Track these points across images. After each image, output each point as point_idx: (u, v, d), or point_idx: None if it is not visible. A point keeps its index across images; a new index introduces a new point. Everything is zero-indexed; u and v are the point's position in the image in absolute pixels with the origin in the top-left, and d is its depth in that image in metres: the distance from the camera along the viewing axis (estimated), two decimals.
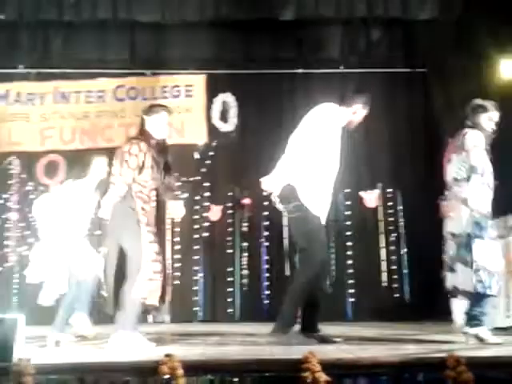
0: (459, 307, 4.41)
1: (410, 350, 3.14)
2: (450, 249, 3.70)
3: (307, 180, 3.80)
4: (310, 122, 3.89)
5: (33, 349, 3.28)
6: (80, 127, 6.58)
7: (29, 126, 6.54)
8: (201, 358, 2.75)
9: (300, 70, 6.70)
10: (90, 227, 4.62)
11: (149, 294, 3.73)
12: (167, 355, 2.27)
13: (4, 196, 6.33)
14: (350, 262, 6.35)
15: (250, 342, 4.02)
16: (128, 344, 3.60)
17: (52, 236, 4.48)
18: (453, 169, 3.74)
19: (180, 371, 2.21)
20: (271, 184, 3.83)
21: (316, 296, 3.84)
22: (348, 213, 6.44)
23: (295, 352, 2.72)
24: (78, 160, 4.96)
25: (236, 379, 2.25)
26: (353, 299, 6.30)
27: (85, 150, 6.04)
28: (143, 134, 3.89)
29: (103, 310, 3.95)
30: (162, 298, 3.85)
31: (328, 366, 2.31)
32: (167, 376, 2.22)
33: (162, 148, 3.96)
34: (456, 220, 3.65)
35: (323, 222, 3.89)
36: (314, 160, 3.83)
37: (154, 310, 4.14)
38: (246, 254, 6.47)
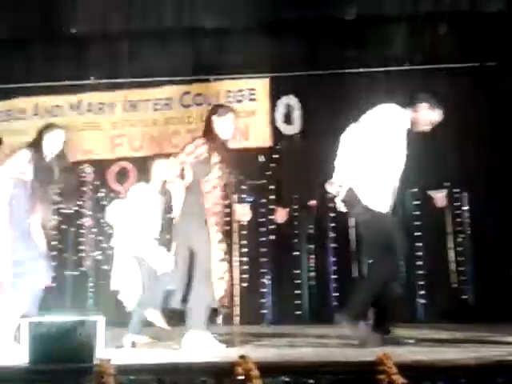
0: None
1: (487, 352, 3.05)
2: None
3: (369, 182, 3.76)
4: (367, 123, 3.85)
5: (110, 350, 3.39)
6: (148, 134, 6.76)
7: (100, 135, 6.79)
8: (274, 359, 2.77)
9: (364, 69, 6.62)
10: (161, 230, 4.74)
11: (218, 294, 3.80)
12: (242, 356, 2.30)
13: (78, 203, 6.57)
14: (419, 262, 6.23)
15: (321, 343, 4.01)
16: (199, 345, 3.68)
17: (125, 240, 4.64)
18: None
19: (255, 372, 2.23)
20: (334, 187, 3.82)
21: (387, 297, 3.80)
22: (416, 213, 6.31)
23: (368, 354, 2.70)
24: (146, 166, 5.10)
25: (311, 381, 2.26)
26: (423, 300, 6.17)
27: (153, 157, 6.20)
28: (209, 134, 3.98)
29: (174, 310, 4.04)
30: (230, 299, 3.92)
31: (403, 369, 2.28)
32: (242, 377, 2.25)
33: (227, 149, 4.05)
34: None
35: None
36: (375, 161, 3.79)
37: (222, 311, 4.20)
38: (312, 256, 6.46)
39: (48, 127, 4.14)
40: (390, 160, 3.83)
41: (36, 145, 4.02)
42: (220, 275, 3.81)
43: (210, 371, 2.41)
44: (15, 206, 3.85)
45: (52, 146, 4.03)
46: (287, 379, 2.32)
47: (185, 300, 3.79)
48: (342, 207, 3.94)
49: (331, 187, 3.84)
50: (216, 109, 4.13)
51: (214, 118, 4.00)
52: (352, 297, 3.77)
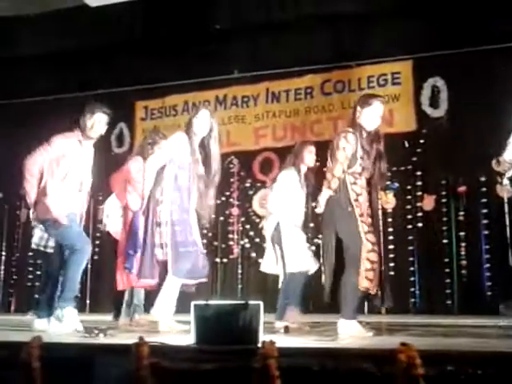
0: None
1: None
2: None
3: None
4: None
5: (265, 335, 3.50)
6: (290, 124, 6.86)
7: (244, 127, 7.01)
8: (433, 348, 2.70)
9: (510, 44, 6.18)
10: (304, 218, 4.78)
11: (368, 284, 3.77)
12: (403, 343, 2.26)
13: (226, 193, 6.84)
14: None
15: (478, 334, 3.83)
16: (350, 333, 3.69)
17: (272, 228, 4.73)
18: None
19: (419, 360, 2.19)
20: (504, 165, 3.60)
21: None
22: None
23: None
24: (290, 155, 5.15)
25: (479, 371, 2.17)
26: None
27: (301, 144, 6.25)
28: (354, 126, 3.94)
29: (321, 300, 4.07)
30: (381, 288, 3.86)
31: None
32: (405, 365, 2.21)
33: (374, 137, 3.98)
34: None
35: None
36: None
37: (372, 300, 4.16)
38: (463, 244, 6.18)
39: (195, 111, 4.28)
40: None
41: (188, 128, 4.15)
42: (370, 265, 3.78)
43: (370, 358, 2.40)
44: (179, 189, 4.03)
45: (200, 127, 4.14)
46: (452, 369, 2.24)
47: (336, 294, 3.81)
48: (508, 185, 3.70)
49: (500, 165, 3.62)
50: (363, 99, 4.07)
51: (358, 108, 3.96)
52: None
